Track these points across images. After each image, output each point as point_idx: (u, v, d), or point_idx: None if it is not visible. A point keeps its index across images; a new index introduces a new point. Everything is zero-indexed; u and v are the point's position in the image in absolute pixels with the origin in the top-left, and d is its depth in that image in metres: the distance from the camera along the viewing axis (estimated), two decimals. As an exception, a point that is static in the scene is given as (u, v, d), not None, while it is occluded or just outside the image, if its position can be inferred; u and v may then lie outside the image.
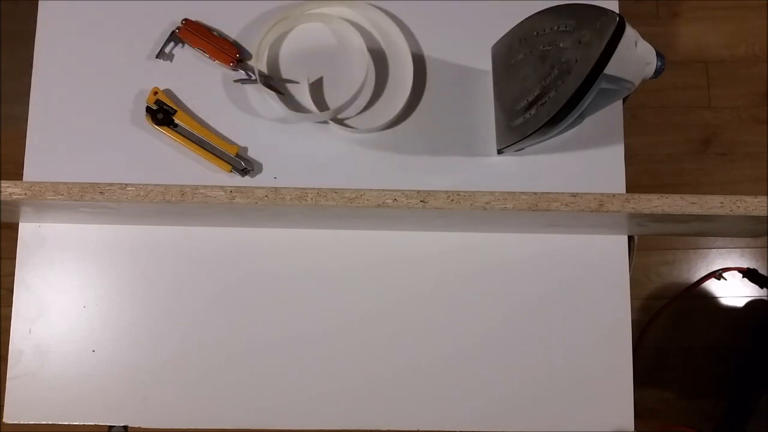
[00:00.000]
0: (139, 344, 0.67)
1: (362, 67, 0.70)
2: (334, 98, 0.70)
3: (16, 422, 0.66)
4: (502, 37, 0.68)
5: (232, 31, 0.70)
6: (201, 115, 0.69)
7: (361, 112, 0.70)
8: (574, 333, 0.67)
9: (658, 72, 0.58)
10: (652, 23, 1.50)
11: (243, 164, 0.67)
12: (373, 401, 0.66)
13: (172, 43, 0.70)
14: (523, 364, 0.67)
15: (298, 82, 0.70)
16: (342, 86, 0.70)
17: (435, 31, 0.71)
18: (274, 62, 0.71)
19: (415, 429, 0.66)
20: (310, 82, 0.70)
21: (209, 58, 0.68)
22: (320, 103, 0.70)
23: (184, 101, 0.69)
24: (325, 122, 0.69)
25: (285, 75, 0.70)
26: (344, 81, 0.70)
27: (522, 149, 0.68)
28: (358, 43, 0.70)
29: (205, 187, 0.50)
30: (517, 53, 0.63)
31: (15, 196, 0.50)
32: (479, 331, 0.67)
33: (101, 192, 0.50)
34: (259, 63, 0.69)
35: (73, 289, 0.67)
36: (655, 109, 1.47)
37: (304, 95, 0.70)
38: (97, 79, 0.69)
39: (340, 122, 0.69)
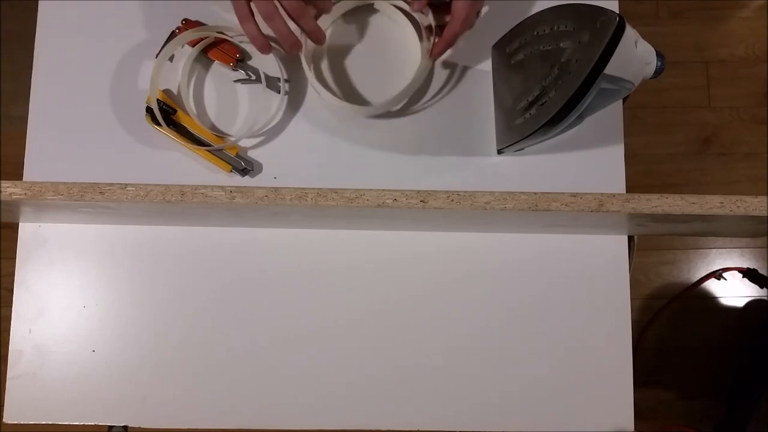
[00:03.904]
0: (139, 344, 0.67)
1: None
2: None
3: (16, 422, 0.66)
4: (502, 37, 0.68)
5: (232, 31, 0.70)
6: (201, 115, 0.69)
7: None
8: (574, 333, 0.67)
9: (658, 72, 0.58)
10: (652, 23, 1.51)
11: (243, 164, 0.67)
12: (373, 401, 0.66)
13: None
14: (523, 364, 0.67)
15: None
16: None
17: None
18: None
19: (415, 429, 0.66)
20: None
21: (209, 58, 0.68)
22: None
23: (184, 101, 0.69)
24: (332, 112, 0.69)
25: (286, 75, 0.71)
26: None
27: (522, 149, 0.68)
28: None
29: (205, 187, 0.50)
30: (517, 53, 0.63)
31: (15, 196, 0.50)
32: (479, 330, 0.67)
33: (101, 192, 0.50)
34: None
35: (73, 289, 0.67)
36: (655, 109, 1.47)
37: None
38: (97, 79, 0.69)
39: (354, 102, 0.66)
